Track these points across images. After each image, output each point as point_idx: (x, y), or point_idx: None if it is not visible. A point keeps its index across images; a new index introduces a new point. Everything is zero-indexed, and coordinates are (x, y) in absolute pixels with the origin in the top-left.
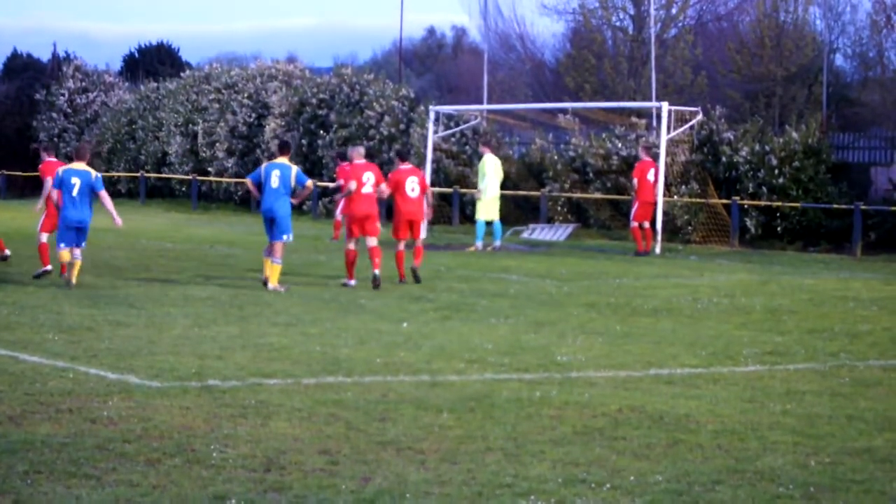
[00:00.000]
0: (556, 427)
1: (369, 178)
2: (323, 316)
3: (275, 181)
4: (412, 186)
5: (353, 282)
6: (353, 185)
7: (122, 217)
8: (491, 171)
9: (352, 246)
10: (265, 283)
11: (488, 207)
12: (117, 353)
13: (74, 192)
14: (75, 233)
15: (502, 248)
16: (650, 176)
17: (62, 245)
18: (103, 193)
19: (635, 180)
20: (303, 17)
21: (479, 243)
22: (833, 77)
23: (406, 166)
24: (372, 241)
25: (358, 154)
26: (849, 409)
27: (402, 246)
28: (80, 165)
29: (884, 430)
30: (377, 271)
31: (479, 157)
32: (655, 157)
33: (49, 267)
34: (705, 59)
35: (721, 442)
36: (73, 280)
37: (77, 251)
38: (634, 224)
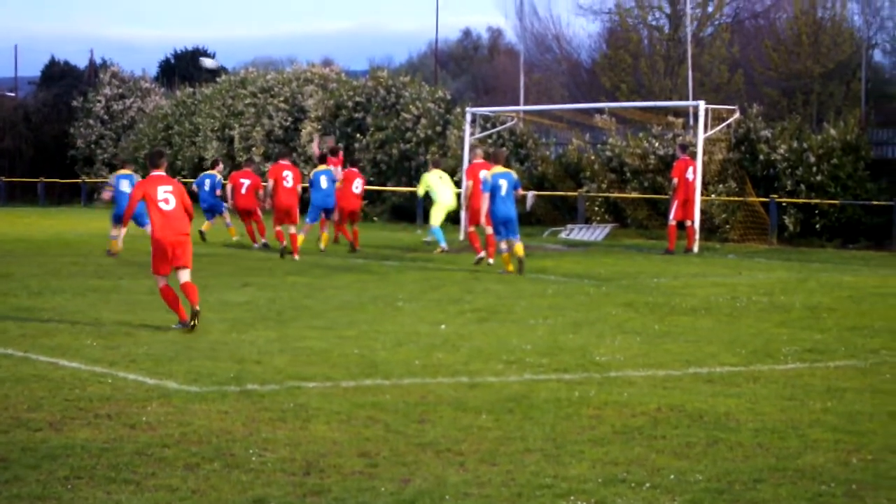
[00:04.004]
0: (595, 427)
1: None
2: (360, 319)
3: (325, 182)
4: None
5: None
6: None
7: None
8: (432, 182)
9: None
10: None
11: (435, 213)
12: (155, 358)
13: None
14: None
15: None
16: (689, 174)
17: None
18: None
19: (675, 179)
20: (338, 21)
21: (444, 245)
22: (871, 73)
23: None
24: (489, 230)
25: (476, 155)
26: (890, 406)
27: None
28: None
29: None
30: (487, 257)
31: (503, 160)
32: (692, 156)
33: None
34: (742, 56)
35: (761, 440)
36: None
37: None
38: (673, 223)
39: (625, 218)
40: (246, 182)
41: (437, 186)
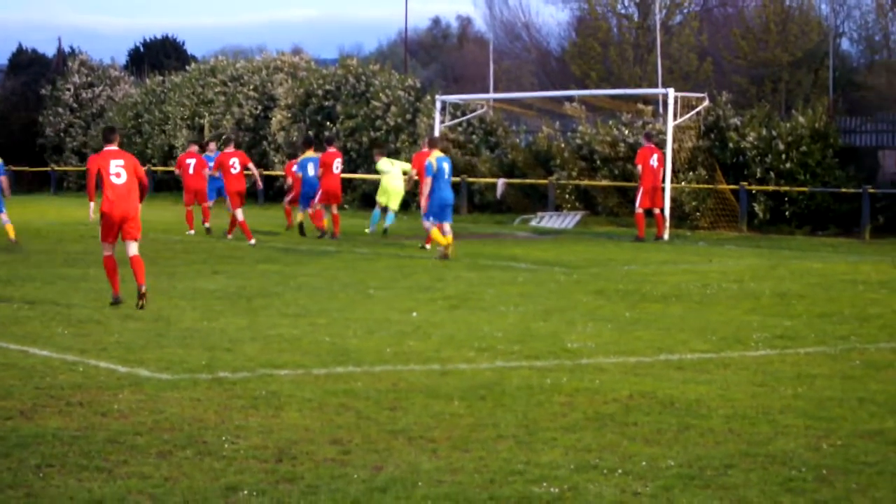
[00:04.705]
0: (567, 414)
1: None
2: (331, 306)
3: (311, 170)
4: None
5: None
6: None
7: None
8: (384, 168)
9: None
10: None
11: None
12: (127, 346)
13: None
14: None
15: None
16: (653, 162)
17: None
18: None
19: (639, 167)
20: (307, 9)
21: (370, 229)
22: (839, 61)
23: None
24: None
25: (424, 143)
26: (860, 392)
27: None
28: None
29: (895, 412)
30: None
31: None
32: (659, 144)
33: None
34: (711, 45)
35: (732, 426)
36: None
37: None
38: (640, 211)
39: (595, 205)
40: (191, 162)
41: (390, 172)
